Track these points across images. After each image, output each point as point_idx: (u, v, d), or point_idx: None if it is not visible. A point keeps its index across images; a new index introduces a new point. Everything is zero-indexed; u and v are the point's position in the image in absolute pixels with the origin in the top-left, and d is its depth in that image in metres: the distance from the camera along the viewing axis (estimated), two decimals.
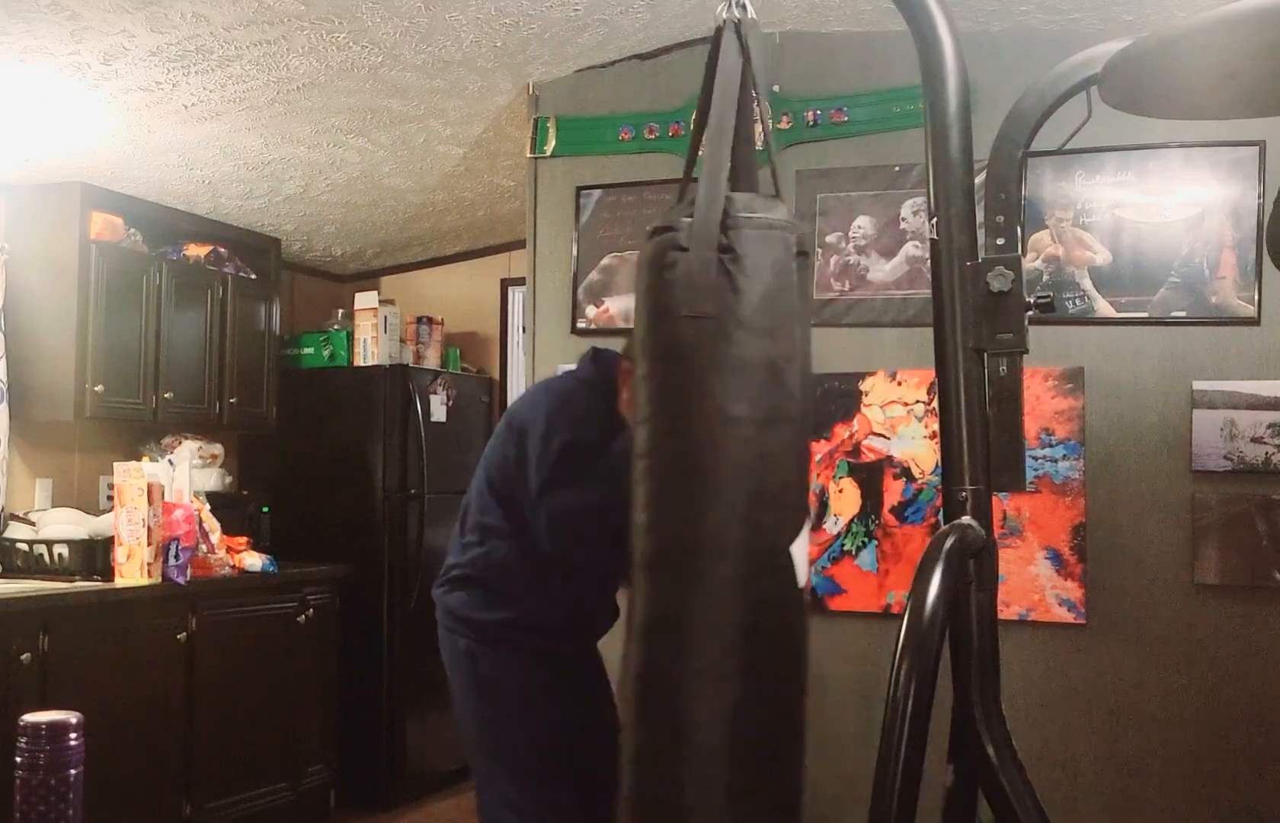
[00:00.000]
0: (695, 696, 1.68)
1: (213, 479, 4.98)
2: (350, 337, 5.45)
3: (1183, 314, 3.26)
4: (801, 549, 1.77)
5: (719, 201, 1.70)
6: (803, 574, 1.78)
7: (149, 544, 4.13)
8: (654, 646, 1.71)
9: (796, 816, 1.77)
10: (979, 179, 2.06)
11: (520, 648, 2.75)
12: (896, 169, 3.53)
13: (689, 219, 1.70)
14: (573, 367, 2.91)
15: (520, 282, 5.57)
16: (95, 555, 4.22)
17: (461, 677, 2.81)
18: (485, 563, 2.78)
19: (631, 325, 1.86)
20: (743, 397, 1.69)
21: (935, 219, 2.01)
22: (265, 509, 5.18)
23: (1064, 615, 3.30)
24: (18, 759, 1.27)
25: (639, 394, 1.76)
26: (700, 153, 1.78)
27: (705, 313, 1.67)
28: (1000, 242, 2.07)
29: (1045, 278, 3.34)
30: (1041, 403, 3.33)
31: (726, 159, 1.75)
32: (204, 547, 4.50)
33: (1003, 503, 3.28)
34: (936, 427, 2.12)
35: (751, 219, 1.72)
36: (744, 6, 1.79)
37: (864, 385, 3.52)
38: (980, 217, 2.06)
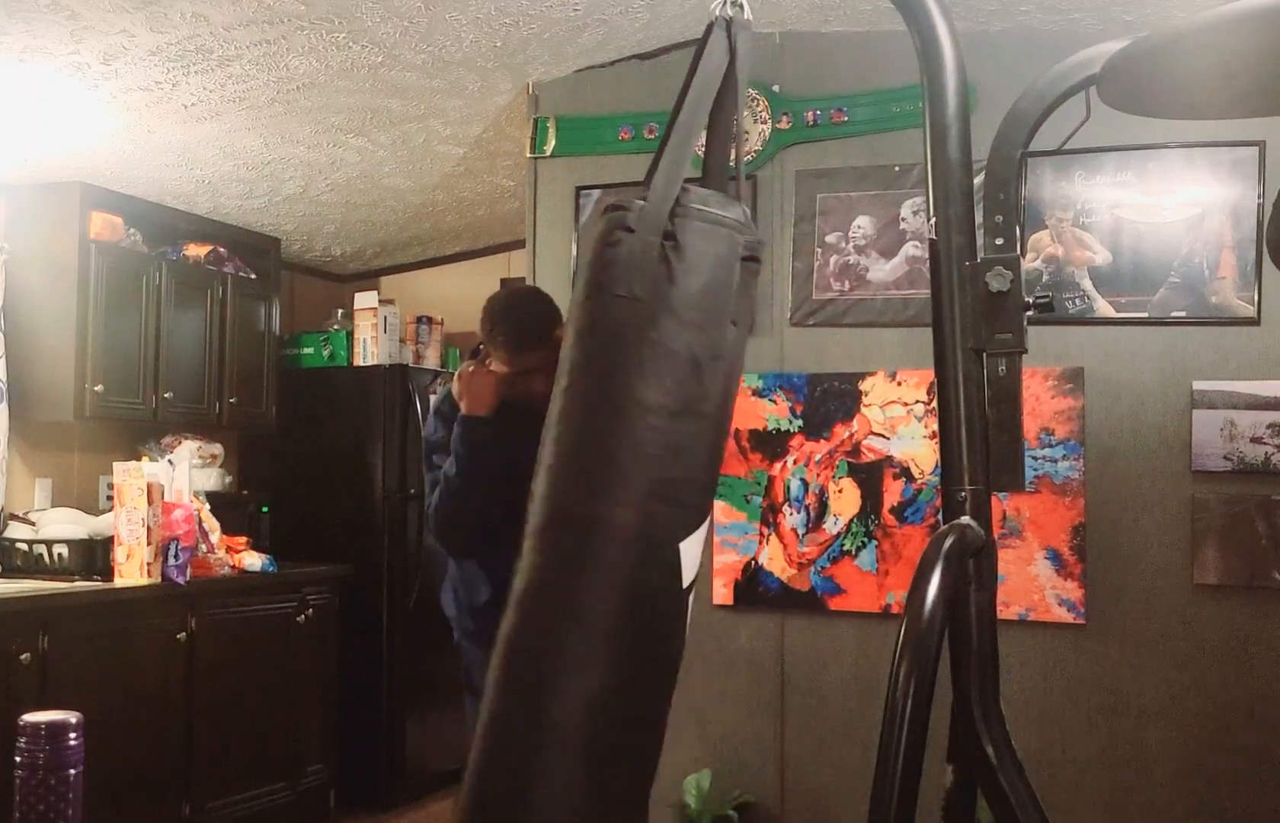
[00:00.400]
0: (559, 673, 1.67)
1: (212, 479, 4.98)
2: (350, 337, 5.45)
3: (1182, 314, 3.26)
4: (693, 548, 1.77)
5: (674, 190, 1.70)
6: (689, 573, 1.77)
7: (149, 544, 4.13)
8: (527, 615, 1.70)
9: (643, 812, 1.77)
10: (978, 179, 2.06)
11: (484, 635, 2.73)
12: (896, 169, 3.53)
13: (642, 202, 1.70)
14: None
15: (520, 282, 5.57)
16: (95, 555, 4.22)
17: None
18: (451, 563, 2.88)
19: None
20: (659, 385, 1.68)
21: (934, 219, 2.01)
22: (265, 509, 5.18)
23: (1063, 616, 3.30)
24: (17, 759, 1.27)
25: (562, 364, 1.76)
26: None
27: (637, 295, 1.67)
28: (999, 242, 2.06)
29: (1045, 278, 3.34)
30: (1041, 403, 3.33)
31: (689, 150, 1.75)
32: (203, 547, 4.50)
33: (1002, 503, 3.28)
34: (936, 427, 2.12)
35: (703, 212, 1.72)
36: (740, 5, 1.78)
37: (864, 385, 3.52)
38: (979, 217, 2.06)
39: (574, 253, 3.83)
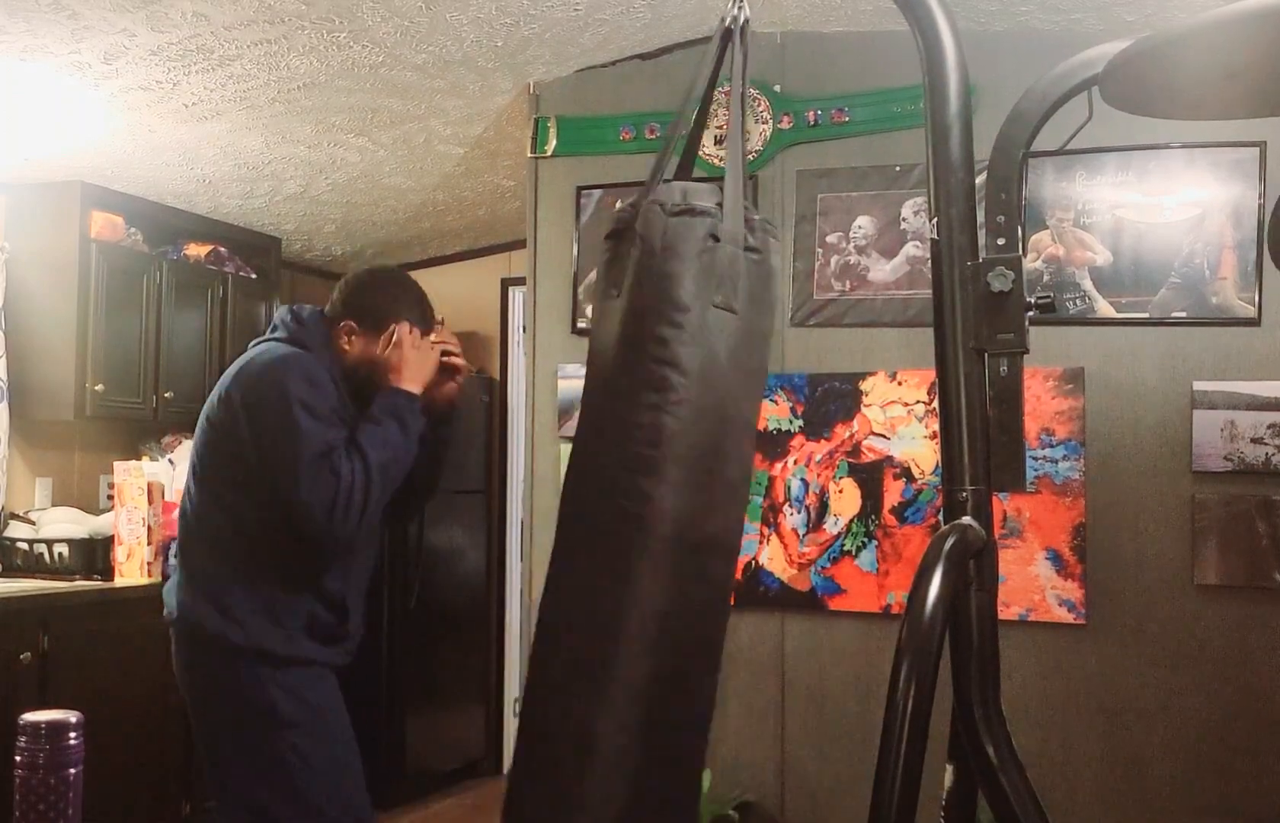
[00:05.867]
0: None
1: None
2: None
3: (1183, 315, 3.26)
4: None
5: (741, 200, 1.71)
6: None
7: (149, 543, 4.14)
8: (669, 650, 1.73)
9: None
10: (980, 179, 2.05)
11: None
12: (897, 169, 3.53)
13: (711, 206, 1.70)
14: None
15: (521, 281, 5.57)
16: (95, 555, 4.22)
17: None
18: None
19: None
20: (756, 401, 1.72)
21: (936, 219, 2.00)
22: None
23: (1064, 616, 3.30)
24: (17, 758, 1.27)
25: (669, 379, 1.76)
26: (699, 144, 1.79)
27: (735, 308, 1.68)
28: (1001, 242, 2.06)
29: (1046, 278, 3.34)
30: (1042, 403, 3.33)
31: (742, 162, 1.76)
32: None
33: (1003, 503, 3.28)
34: (937, 427, 2.11)
35: (767, 225, 1.74)
36: (740, 5, 1.80)
37: (864, 385, 3.52)
38: (981, 217, 2.06)
39: (574, 253, 3.83)
